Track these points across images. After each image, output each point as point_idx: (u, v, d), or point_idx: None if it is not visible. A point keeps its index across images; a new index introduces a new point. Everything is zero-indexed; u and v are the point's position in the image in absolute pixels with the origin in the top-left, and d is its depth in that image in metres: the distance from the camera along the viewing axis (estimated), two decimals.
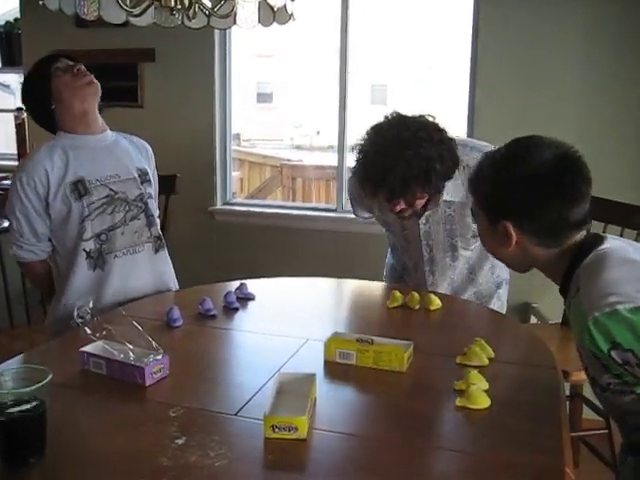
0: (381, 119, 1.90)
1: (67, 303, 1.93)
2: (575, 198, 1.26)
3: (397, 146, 1.78)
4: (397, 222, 2.13)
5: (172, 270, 2.20)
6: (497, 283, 2.26)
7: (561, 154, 1.28)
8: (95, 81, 2.00)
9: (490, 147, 2.12)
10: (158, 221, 2.18)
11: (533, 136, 1.33)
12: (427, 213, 2.04)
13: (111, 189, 1.99)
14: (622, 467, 1.30)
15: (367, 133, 1.89)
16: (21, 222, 1.95)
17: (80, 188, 1.95)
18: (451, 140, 1.88)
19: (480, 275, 2.21)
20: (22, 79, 4.06)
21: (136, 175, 2.07)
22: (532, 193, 1.27)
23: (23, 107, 2.09)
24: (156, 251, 2.11)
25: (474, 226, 2.03)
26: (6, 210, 1.99)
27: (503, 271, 2.26)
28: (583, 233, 1.30)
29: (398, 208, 1.89)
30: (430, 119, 1.88)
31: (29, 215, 1.94)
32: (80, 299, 1.92)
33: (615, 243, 1.25)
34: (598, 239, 1.26)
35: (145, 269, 2.07)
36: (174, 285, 2.20)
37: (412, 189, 1.82)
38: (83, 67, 2.00)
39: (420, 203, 1.92)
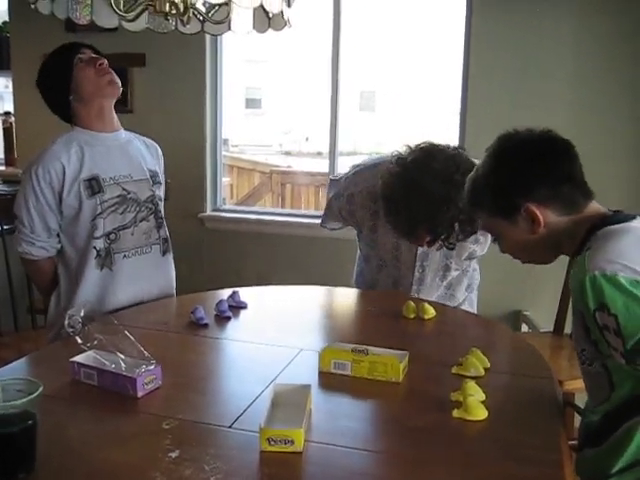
0: (407, 150, 1.82)
1: (86, 301, 1.86)
2: (570, 154, 1.30)
3: (448, 188, 1.70)
4: (390, 242, 2.09)
5: (174, 274, 2.18)
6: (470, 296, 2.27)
7: (537, 132, 1.33)
8: (117, 81, 1.97)
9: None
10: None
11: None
12: None
13: (124, 189, 1.97)
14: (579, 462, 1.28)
15: (402, 163, 1.80)
16: (33, 217, 1.90)
17: (94, 185, 1.92)
18: None
19: (458, 291, 2.20)
20: (10, 83, 4.02)
21: (148, 176, 2.05)
22: (531, 157, 1.29)
23: (41, 95, 1.97)
24: (163, 253, 2.10)
25: (472, 247, 2.01)
26: (17, 205, 1.92)
27: (474, 280, 2.26)
28: (597, 206, 1.29)
29: (425, 243, 1.85)
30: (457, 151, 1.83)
31: (42, 210, 1.90)
32: (89, 298, 1.90)
33: None
34: (629, 216, 1.24)
35: (153, 270, 2.06)
36: (173, 290, 2.17)
37: (454, 228, 1.78)
38: (106, 61, 1.95)
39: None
